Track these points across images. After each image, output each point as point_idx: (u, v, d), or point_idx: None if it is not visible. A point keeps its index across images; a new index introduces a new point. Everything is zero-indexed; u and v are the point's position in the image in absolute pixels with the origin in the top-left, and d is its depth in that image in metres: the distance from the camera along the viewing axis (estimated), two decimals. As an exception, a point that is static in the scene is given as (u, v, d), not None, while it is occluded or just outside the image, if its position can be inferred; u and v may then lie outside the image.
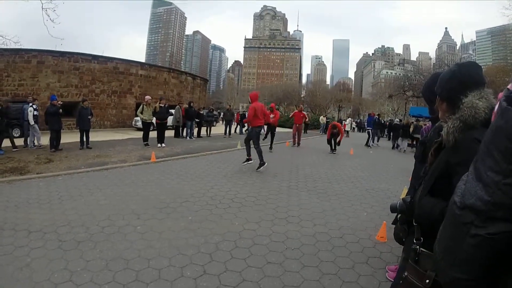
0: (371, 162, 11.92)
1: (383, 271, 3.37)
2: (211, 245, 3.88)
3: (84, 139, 11.52)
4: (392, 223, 2.84)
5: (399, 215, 1.72)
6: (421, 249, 1.33)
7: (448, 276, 1.01)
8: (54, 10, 12.47)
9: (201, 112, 18.22)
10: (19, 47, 15.93)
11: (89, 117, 11.79)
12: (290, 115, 18.01)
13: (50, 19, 12.40)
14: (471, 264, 0.94)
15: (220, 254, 3.66)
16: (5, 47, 12.56)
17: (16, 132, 13.56)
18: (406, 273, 1.37)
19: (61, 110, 10.94)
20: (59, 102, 11.49)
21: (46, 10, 12.27)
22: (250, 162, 8.99)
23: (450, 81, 1.45)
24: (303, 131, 19.20)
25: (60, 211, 4.89)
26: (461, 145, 1.27)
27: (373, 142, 18.97)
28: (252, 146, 8.84)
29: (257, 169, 8.44)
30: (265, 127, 13.60)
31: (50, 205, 5.21)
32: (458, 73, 1.44)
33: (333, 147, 13.78)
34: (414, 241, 1.38)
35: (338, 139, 13.63)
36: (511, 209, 0.89)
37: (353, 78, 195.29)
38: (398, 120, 27.61)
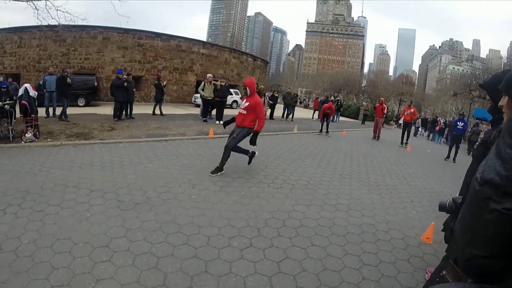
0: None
1: (423, 271, 3.18)
2: (260, 220, 3.89)
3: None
4: (441, 230, 2.77)
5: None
6: None
7: (466, 254, 1.01)
8: None
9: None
10: (86, 23, 16.45)
11: (134, 89, 12.81)
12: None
13: None
14: (488, 240, 0.94)
15: (267, 230, 3.66)
16: (73, 23, 13.14)
17: (81, 102, 15.94)
18: (444, 272, 1.41)
19: (125, 84, 11.56)
20: (124, 76, 12.11)
21: None
22: None
23: None
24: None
25: (120, 175, 5.20)
26: None
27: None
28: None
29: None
30: None
31: (111, 168, 5.55)
32: None
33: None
34: None
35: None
36: None
37: (417, 71, 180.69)
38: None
